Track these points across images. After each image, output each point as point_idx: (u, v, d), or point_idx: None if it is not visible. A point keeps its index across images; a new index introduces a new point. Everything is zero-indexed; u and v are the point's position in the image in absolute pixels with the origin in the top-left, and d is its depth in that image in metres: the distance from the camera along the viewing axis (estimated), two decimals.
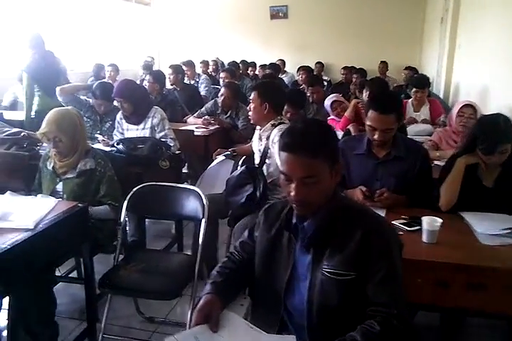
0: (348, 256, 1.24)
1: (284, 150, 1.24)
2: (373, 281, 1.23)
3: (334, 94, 4.13)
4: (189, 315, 2.09)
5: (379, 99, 2.20)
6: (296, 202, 1.27)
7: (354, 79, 6.26)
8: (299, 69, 6.67)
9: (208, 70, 7.38)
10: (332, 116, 3.97)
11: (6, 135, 2.91)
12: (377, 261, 1.23)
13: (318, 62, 8.33)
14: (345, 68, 7.52)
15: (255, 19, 8.87)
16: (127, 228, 2.68)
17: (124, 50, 8.56)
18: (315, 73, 7.23)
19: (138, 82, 5.07)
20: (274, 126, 2.62)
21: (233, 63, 7.30)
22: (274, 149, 2.53)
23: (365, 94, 3.67)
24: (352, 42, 8.42)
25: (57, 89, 3.61)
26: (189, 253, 2.42)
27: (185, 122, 4.40)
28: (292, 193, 1.25)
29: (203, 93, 5.88)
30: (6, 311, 2.02)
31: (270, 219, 1.43)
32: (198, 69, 6.99)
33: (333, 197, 1.31)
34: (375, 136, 2.13)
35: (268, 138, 2.61)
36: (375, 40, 8.32)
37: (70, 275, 2.76)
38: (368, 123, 2.15)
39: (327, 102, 4.01)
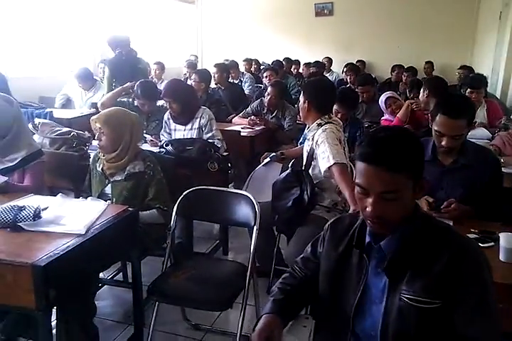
0: (432, 281, 1.11)
1: (363, 161, 1.12)
2: (463, 311, 1.10)
3: (389, 91, 4.04)
4: (239, 325, 2.01)
5: (450, 102, 2.03)
6: (372, 218, 1.14)
7: (404, 78, 6.02)
8: (345, 67, 6.47)
9: (251, 69, 7.29)
10: (385, 117, 3.84)
11: (57, 135, 2.91)
12: (467, 287, 1.10)
13: (359, 61, 8.08)
14: (396, 66, 7.22)
15: (299, 17, 8.69)
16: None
17: (168, 48, 8.59)
18: None
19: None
20: (320, 125, 2.48)
21: (277, 62, 7.18)
22: (318, 150, 2.40)
23: (421, 94, 3.49)
24: (398, 40, 8.11)
25: (99, 105, 3.67)
26: (240, 261, 2.31)
27: (230, 122, 4.33)
28: (368, 209, 1.13)
29: (246, 92, 5.81)
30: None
31: (337, 235, 1.31)
32: (242, 68, 6.92)
33: (414, 214, 1.18)
34: (443, 142, 1.98)
35: (313, 138, 2.48)
36: (422, 38, 7.98)
37: (115, 278, 2.73)
38: (435, 128, 1.99)
39: (382, 98, 3.92)
